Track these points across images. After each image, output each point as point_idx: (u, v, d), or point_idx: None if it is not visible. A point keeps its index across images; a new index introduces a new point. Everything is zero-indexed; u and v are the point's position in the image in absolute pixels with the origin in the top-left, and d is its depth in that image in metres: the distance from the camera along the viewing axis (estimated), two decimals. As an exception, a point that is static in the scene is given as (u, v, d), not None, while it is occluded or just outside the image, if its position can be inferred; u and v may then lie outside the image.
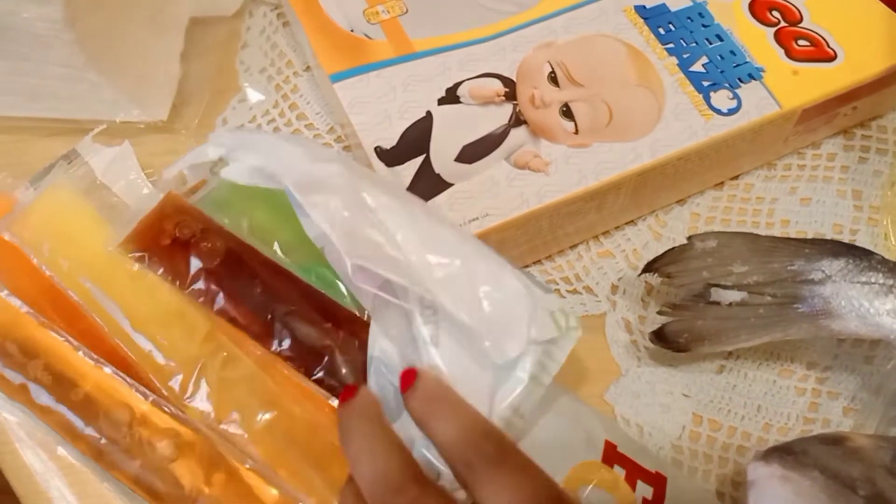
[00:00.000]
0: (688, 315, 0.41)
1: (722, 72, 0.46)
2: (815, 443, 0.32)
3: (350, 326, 0.38)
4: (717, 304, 0.40)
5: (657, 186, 0.46)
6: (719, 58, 0.47)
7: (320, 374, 0.37)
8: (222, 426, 0.37)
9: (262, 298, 0.38)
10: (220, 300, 0.38)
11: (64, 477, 0.41)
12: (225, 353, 0.38)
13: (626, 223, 0.48)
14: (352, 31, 0.47)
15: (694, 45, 0.47)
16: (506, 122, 0.44)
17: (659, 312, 0.42)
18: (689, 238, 0.41)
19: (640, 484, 0.37)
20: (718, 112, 0.45)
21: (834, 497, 0.29)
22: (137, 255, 0.39)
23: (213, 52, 0.51)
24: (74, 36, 0.42)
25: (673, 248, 0.42)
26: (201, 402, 0.37)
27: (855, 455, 0.31)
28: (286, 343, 0.38)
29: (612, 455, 0.37)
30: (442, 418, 0.31)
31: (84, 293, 0.39)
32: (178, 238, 0.39)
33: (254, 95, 0.51)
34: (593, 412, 0.39)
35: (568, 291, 0.47)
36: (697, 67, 0.47)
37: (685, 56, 0.47)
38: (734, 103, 0.45)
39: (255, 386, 0.37)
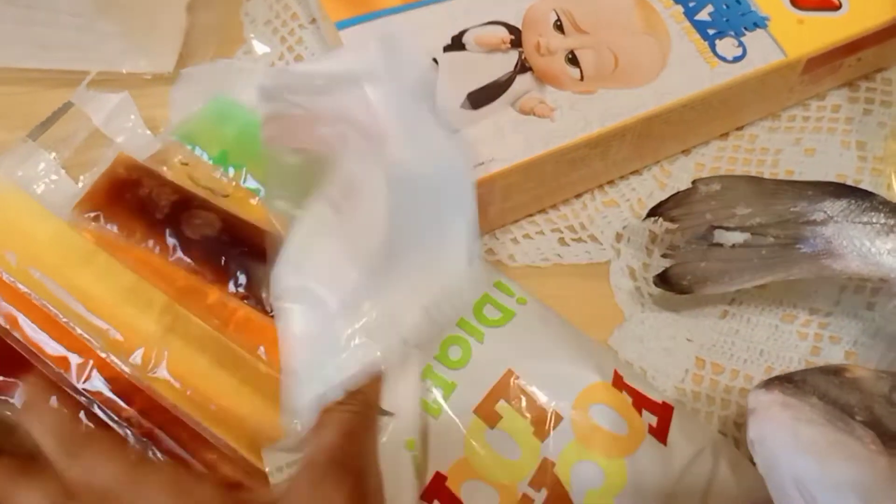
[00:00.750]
0: (691, 257, 0.41)
1: (727, 20, 0.46)
2: (816, 373, 0.32)
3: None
4: (721, 245, 0.40)
5: (662, 135, 0.46)
6: (724, 6, 0.47)
7: None
8: (188, 393, 0.37)
9: (215, 244, 0.40)
10: (176, 251, 0.40)
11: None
12: (183, 323, 0.38)
13: (631, 173, 0.49)
14: (357, -22, 0.47)
15: (699, -7, 0.47)
16: (511, 68, 0.44)
17: (663, 255, 0.42)
18: (694, 182, 0.42)
19: (644, 412, 0.38)
20: (724, 59, 0.45)
21: (832, 421, 0.30)
22: (93, 215, 0.41)
23: (219, 3, 0.52)
24: (83, -18, 0.42)
25: (678, 192, 0.42)
26: (164, 373, 0.37)
27: (854, 384, 0.32)
28: (242, 283, 0.39)
29: (619, 383, 0.38)
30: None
31: (35, 284, 0.39)
32: (131, 195, 0.41)
33: (259, 48, 0.52)
34: (602, 347, 0.40)
35: (573, 240, 0.47)
36: (703, 16, 0.47)
37: (691, 5, 0.47)
38: (740, 51, 0.45)
39: (217, 350, 0.38)
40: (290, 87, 0.39)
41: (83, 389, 0.37)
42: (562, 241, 0.47)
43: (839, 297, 0.45)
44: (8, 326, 0.38)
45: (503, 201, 0.44)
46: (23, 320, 0.38)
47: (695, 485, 0.37)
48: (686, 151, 0.49)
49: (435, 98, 0.35)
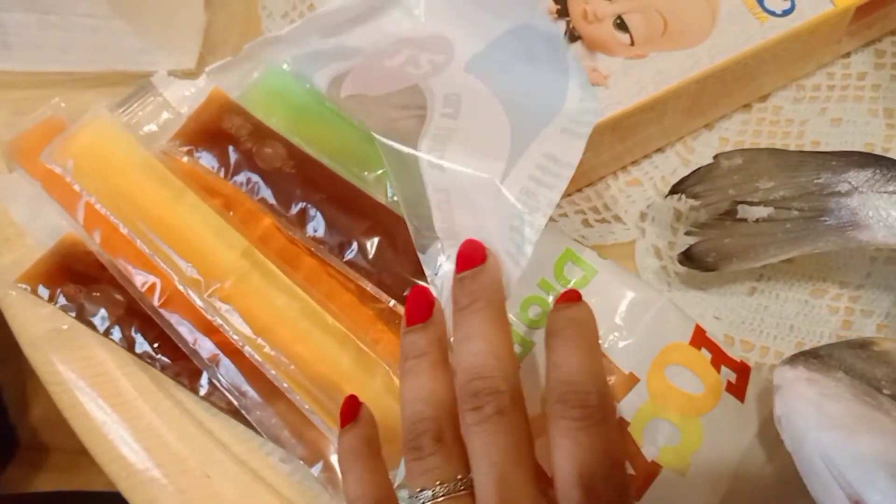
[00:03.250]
0: (715, 233, 0.40)
1: (772, -29, 0.45)
2: (842, 347, 0.32)
3: (378, 215, 0.41)
4: (745, 220, 0.40)
5: (715, 95, 0.46)
6: (767, -45, 0.46)
7: (350, 257, 0.40)
8: (259, 340, 0.39)
9: (298, 187, 0.42)
10: (261, 188, 0.42)
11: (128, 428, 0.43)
12: (261, 270, 0.40)
13: (655, 151, 0.48)
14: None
15: (741, -56, 0.46)
16: (561, 39, 0.44)
17: (686, 233, 0.42)
18: (716, 156, 0.41)
19: (723, 369, 0.38)
20: (773, 14, 0.44)
21: (859, 396, 0.29)
22: (186, 148, 0.43)
23: (236, -1, 0.52)
24: (96, -16, 0.43)
25: (699, 168, 0.41)
26: (236, 316, 0.39)
27: (881, 357, 0.31)
28: (320, 229, 0.41)
29: (699, 338, 0.38)
30: (575, 346, 0.34)
31: (122, 214, 0.42)
32: (223, 131, 0.43)
33: (278, 41, 0.52)
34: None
35: (596, 221, 0.47)
36: (748, -31, 0.46)
37: (732, -44, 0.46)
38: (788, 4, 0.44)
39: (291, 300, 0.39)
40: (324, 31, 0.43)
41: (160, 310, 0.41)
42: (585, 223, 0.46)
43: (870, 268, 0.44)
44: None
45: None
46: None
47: (771, 441, 0.37)
48: (709, 126, 0.49)
49: None
